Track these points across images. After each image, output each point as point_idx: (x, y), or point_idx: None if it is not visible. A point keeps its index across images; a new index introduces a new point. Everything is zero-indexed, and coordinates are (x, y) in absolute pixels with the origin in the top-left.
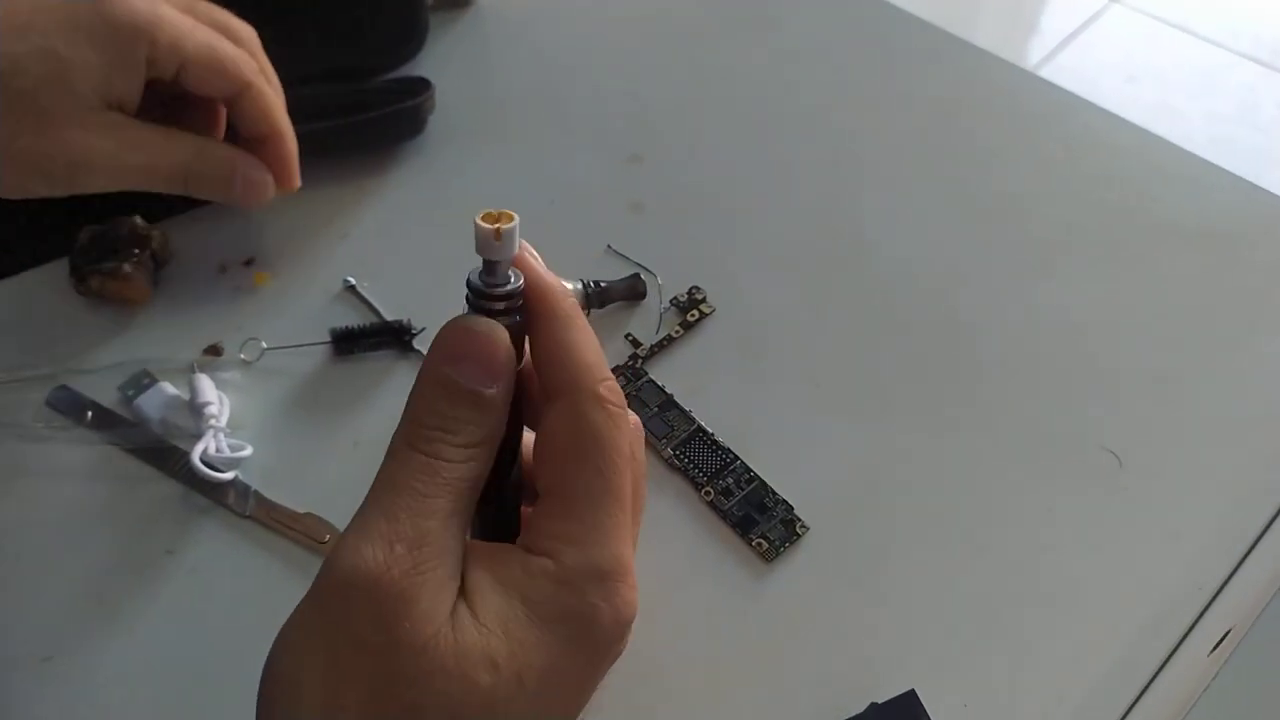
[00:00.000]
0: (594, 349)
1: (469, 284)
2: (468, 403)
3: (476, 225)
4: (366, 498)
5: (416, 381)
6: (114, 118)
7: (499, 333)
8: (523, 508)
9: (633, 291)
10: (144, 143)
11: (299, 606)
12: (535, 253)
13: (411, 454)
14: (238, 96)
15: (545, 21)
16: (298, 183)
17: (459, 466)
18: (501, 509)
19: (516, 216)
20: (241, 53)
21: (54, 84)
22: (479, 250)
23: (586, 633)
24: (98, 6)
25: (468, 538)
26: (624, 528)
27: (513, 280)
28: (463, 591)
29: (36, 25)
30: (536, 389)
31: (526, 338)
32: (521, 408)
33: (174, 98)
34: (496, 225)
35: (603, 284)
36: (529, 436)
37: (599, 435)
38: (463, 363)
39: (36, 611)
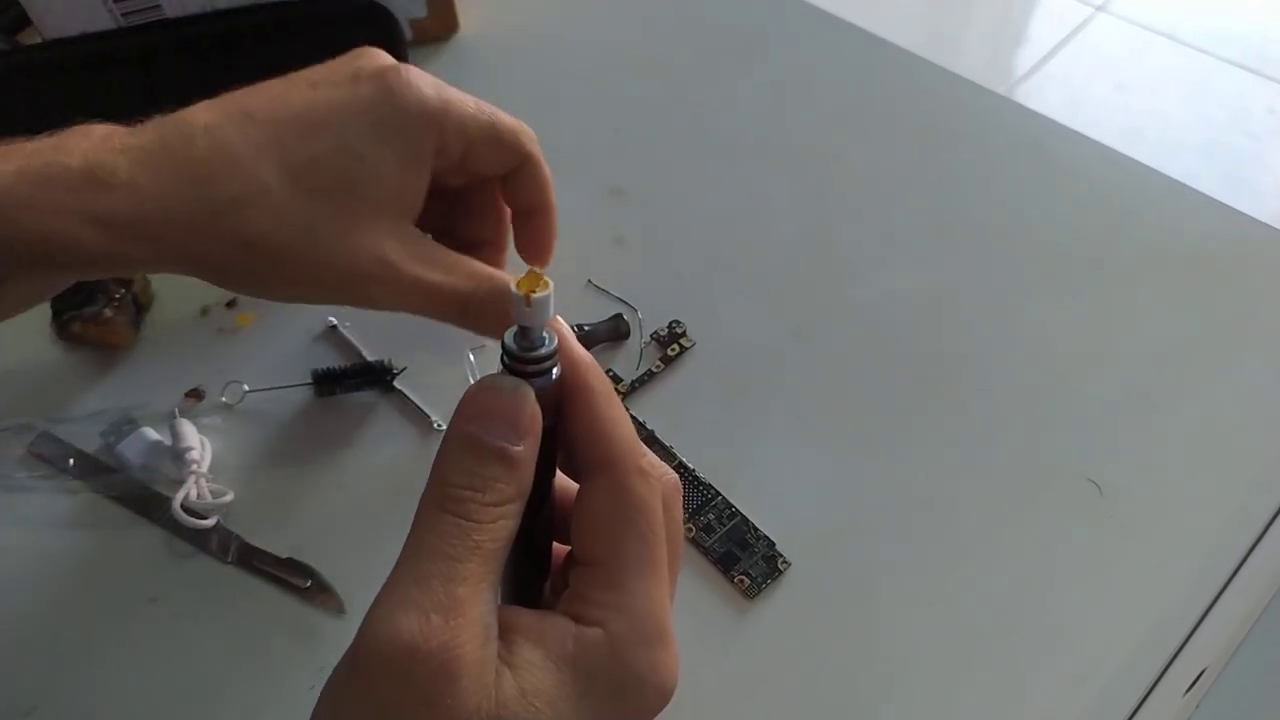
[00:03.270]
0: (630, 425)
1: (503, 346)
2: (494, 459)
3: (510, 291)
4: (397, 562)
5: (442, 443)
6: (406, 228)
7: (524, 389)
8: (554, 570)
9: (616, 332)
10: (433, 259)
11: (334, 678)
12: (567, 326)
13: (441, 516)
14: (518, 169)
15: (525, 55)
16: (548, 260)
17: (489, 527)
18: (530, 570)
19: (552, 284)
20: (519, 123)
21: (352, 184)
22: (512, 315)
23: (635, 702)
24: (390, 98)
25: (499, 601)
26: (666, 597)
27: (546, 344)
28: (510, 664)
29: (333, 121)
30: (574, 458)
31: (560, 402)
32: (551, 471)
33: (441, 194)
34: (529, 292)
35: (586, 327)
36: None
37: (644, 506)
38: (488, 420)
39: (18, 663)
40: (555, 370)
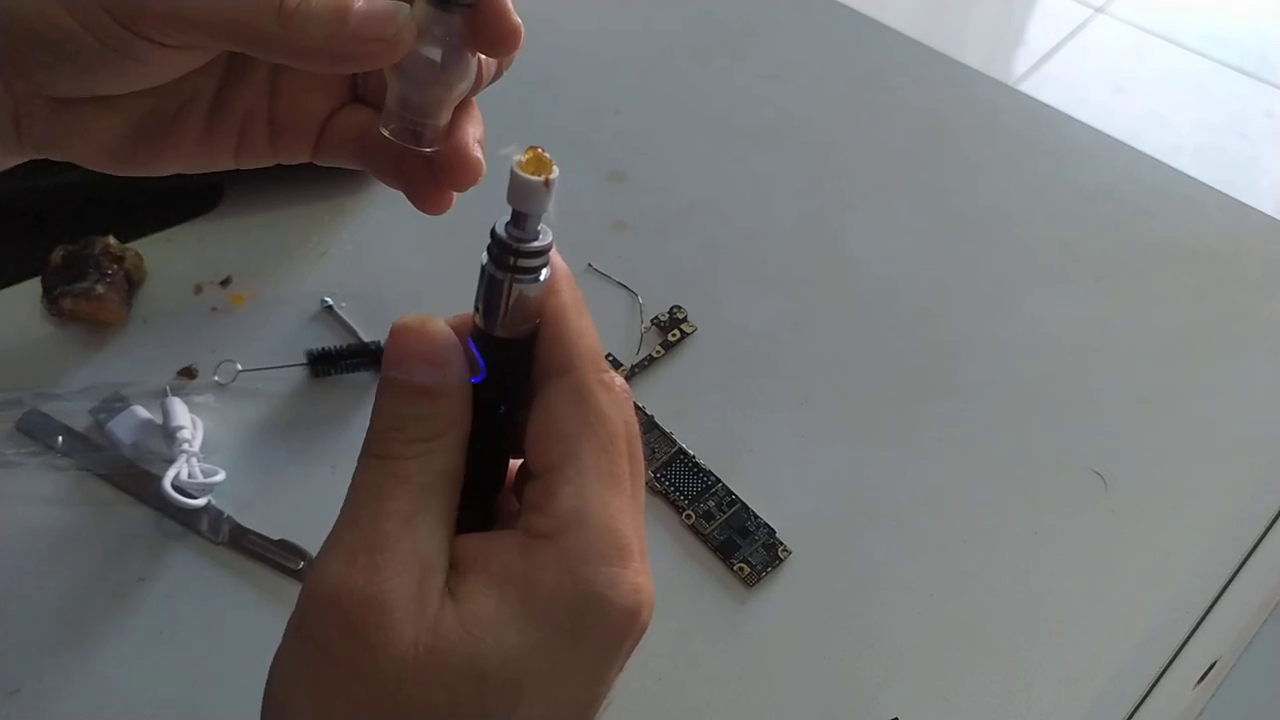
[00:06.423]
0: (597, 340)
1: (494, 236)
2: (413, 398)
3: (517, 175)
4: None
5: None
6: None
7: (432, 322)
8: (506, 489)
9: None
10: None
11: (285, 631)
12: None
13: (368, 460)
14: None
15: (526, 39)
16: (516, 36)
17: (413, 462)
18: (485, 488)
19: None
20: None
21: None
22: (516, 201)
23: (593, 624)
24: None
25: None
26: (626, 511)
27: (542, 236)
28: (455, 595)
29: None
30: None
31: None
32: (522, 382)
33: None
34: (547, 176)
35: None
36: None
37: (606, 417)
38: (404, 362)
39: (3, 642)
40: (545, 271)
